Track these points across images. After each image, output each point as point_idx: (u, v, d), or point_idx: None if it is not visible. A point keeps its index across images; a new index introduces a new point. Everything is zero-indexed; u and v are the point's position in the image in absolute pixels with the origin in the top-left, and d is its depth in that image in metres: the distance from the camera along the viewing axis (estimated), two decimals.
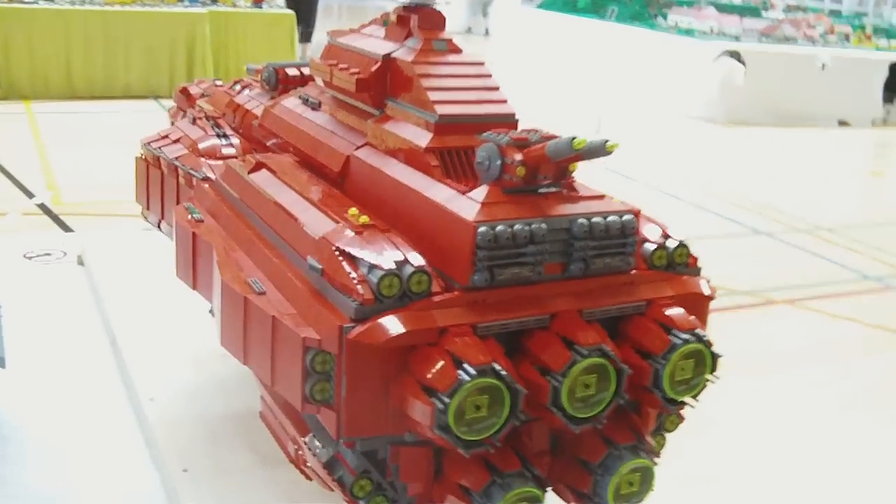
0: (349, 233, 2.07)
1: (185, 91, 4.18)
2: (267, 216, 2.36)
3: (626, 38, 14.66)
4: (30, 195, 7.78)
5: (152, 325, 3.68)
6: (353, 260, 1.99)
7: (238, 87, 3.60)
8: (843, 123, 13.56)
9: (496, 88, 2.41)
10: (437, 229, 2.05)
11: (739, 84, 13.03)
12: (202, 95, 4.06)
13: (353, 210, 2.18)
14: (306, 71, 3.26)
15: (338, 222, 2.14)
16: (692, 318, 2.16)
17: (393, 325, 1.90)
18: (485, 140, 2.09)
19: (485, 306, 1.99)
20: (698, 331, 2.12)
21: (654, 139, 11.50)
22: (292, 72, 3.24)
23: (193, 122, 3.27)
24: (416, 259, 1.99)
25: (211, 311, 2.62)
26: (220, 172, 2.73)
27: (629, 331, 2.14)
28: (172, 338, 3.58)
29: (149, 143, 3.26)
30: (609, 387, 2.01)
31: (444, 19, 2.52)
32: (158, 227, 3.31)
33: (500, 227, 1.96)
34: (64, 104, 10.49)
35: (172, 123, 4.18)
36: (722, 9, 15.53)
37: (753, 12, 15.95)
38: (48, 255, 4.67)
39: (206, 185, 2.79)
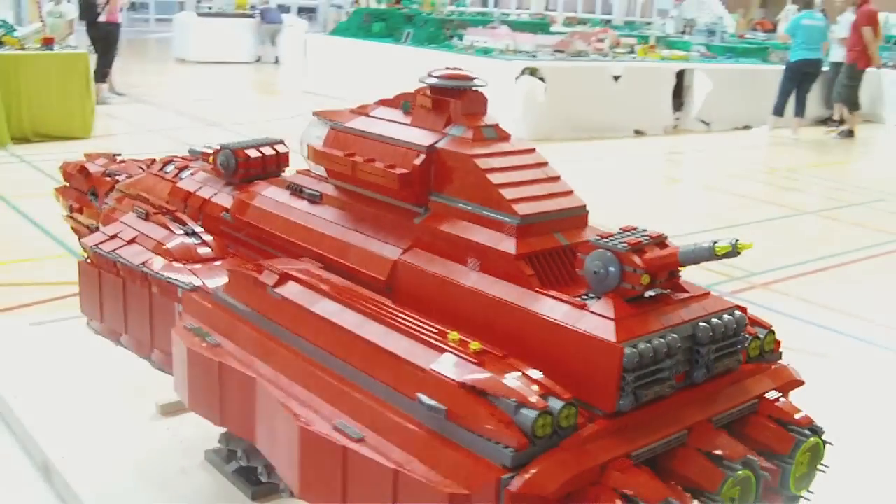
0: (467, 364, 1.83)
1: (82, 170, 3.76)
2: (327, 342, 2.07)
3: (425, 60, 14.67)
4: None
5: (84, 438, 3.25)
6: (485, 397, 1.76)
7: (172, 169, 3.24)
8: (638, 133, 14.06)
9: (558, 178, 2.23)
10: (562, 351, 1.85)
11: (541, 100, 13.30)
12: (107, 174, 3.66)
13: (454, 334, 1.93)
14: (267, 151, 2.96)
15: (440, 349, 1.89)
16: (804, 411, 2.06)
17: (558, 471, 1.69)
18: (596, 246, 1.91)
19: (631, 431, 1.81)
20: (814, 424, 2.04)
21: None
22: (253, 153, 2.92)
23: (147, 217, 2.90)
24: (560, 390, 1.78)
25: None
26: (223, 283, 2.41)
27: (748, 432, 2.02)
28: (110, 449, 3.17)
29: (97, 245, 2.86)
30: (750, 495, 1.88)
31: (487, 101, 2.32)
32: (118, 342, 2.90)
33: (642, 346, 1.79)
34: None
35: (70, 213, 3.75)
36: (515, 27, 15.81)
37: (544, 28, 16.33)
38: None
39: (198, 297, 2.46)
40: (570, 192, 2.20)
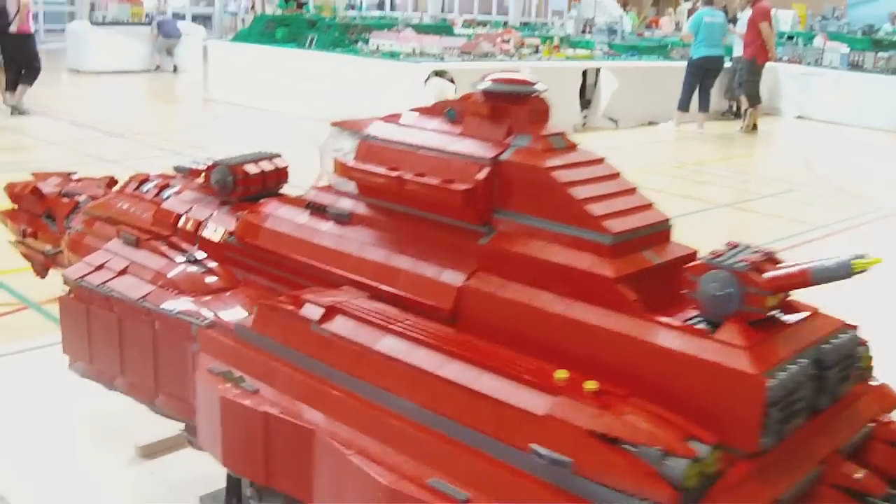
0: (587, 407, 1.61)
1: (35, 191, 3.42)
2: (398, 386, 1.81)
3: (332, 64, 14.41)
4: None
5: (57, 489, 2.92)
6: (619, 445, 1.54)
7: (151, 188, 2.93)
8: None
9: (635, 190, 2.02)
10: (688, 386, 1.64)
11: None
12: (63, 195, 3.33)
13: (562, 372, 1.70)
14: (266, 166, 2.68)
15: (549, 390, 1.66)
16: None
17: None
18: (711, 265, 1.71)
19: (772, 472, 1.61)
20: None
21: None
22: (252, 169, 2.64)
23: (137, 244, 2.59)
24: (702, 433, 1.57)
25: None
26: (247, 318, 2.13)
27: (867, 457, 1.84)
28: (89, 500, 2.86)
29: (82, 278, 2.54)
30: None
31: (549, 109, 2.10)
32: (110, 386, 2.58)
33: (782, 375, 1.59)
34: None
35: (21, 236, 3.41)
36: (419, 29, 15.62)
37: (448, 31, 16.18)
38: None
39: (217, 335, 2.18)
40: (650, 206, 1.99)
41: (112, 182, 3.46)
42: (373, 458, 1.75)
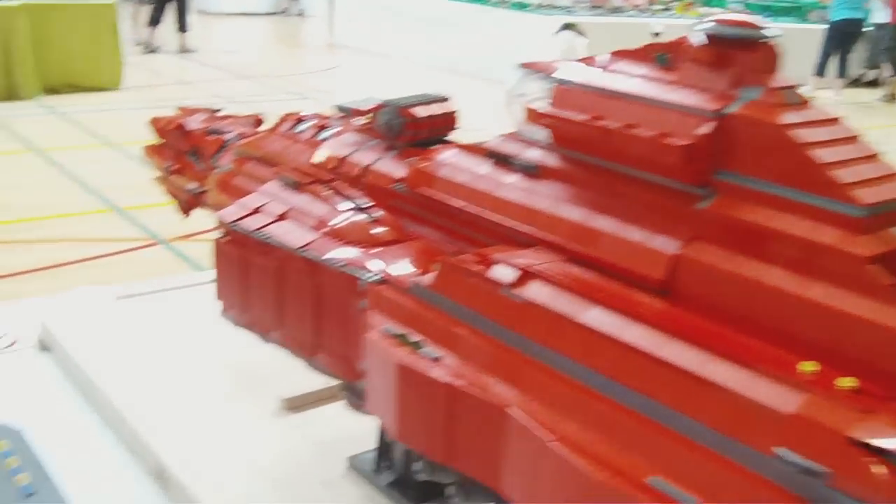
0: (846, 409, 1.36)
1: (179, 127, 3.28)
2: (608, 366, 1.60)
3: (460, 13, 14.17)
4: None
5: (201, 440, 2.80)
6: (886, 459, 1.30)
7: (307, 128, 2.75)
8: None
9: (877, 155, 1.75)
10: None
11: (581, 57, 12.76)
12: (209, 132, 3.19)
13: (808, 365, 1.46)
14: (436, 110, 2.48)
15: (797, 385, 1.42)
16: None
17: None
18: None
19: None
20: None
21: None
22: (423, 112, 2.44)
23: (297, 187, 2.42)
24: None
25: None
26: (426, 277, 1.94)
27: None
28: (234, 453, 2.72)
29: (236, 222, 2.38)
30: None
31: (780, 58, 1.83)
32: (265, 338, 2.43)
33: None
34: None
35: (166, 173, 3.28)
36: None
37: None
38: None
39: (390, 293, 1.99)
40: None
41: (258, 121, 3.31)
42: (577, 447, 1.54)
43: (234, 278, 2.43)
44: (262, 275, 2.33)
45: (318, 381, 2.86)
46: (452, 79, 12.50)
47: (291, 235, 2.26)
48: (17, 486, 2.20)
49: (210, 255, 2.50)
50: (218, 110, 3.40)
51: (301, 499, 2.55)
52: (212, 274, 2.62)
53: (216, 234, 2.47)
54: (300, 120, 2.82)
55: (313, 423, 2.87)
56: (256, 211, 2.40)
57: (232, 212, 2.43)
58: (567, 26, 12.86)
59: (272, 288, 2.30)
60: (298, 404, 2.93)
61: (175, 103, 3.86)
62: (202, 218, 3.50)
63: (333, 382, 2.79)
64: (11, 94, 10.14)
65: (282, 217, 2.35)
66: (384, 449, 2.59)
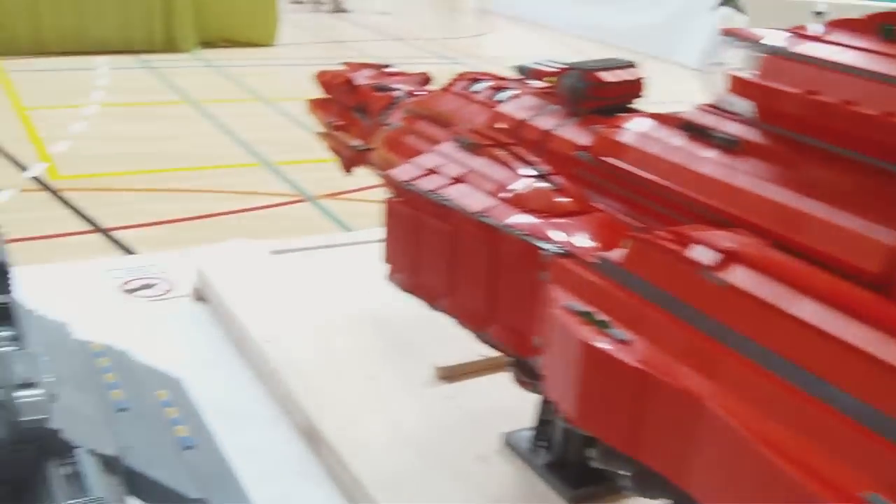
0: None
1: (346, 82, 3.22)
2: (824, 366, 1.45)
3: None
4: (21, 168, 6.74)
5: (351, 402, 2.74)
6: None
7: (483, 88, 2.65)
8: None
9: None
10: None
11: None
12: (379, 89, 3.12)
13: None
14: (623, 76, 2.34)
15: None
16: None
17: None
18: None
19: None
20: None
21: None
22: (609, 78, 2.30)
23: (474, 149, 2.32)
24: None
25: None
26: (619, 254, 1.81)
27: None
28: (385, 420, 2.66)
29: (410, 182, 2.30)
30: None
31: None
32: (432, 305, 2.34)
33: None
34: (35, 61, 9.26)
35: (330, 128, 3.23)
36: None
37: None
38: (147, 286, 3.66)
39: (575, 267, 1.87)
40: None
41: (425, 79, 3.22)
42: (783, 452, 1.40)
43: (404, 240, 2.35)
44: (434, 238, 2.24)
45: (473, 351, 2.79)
46: (606, 52, 12.27)
47: (469, 199, 2.16)
48: (176, 437, 2.16)
49: (379, 214, 2.42)
50: (386, 66, 3.32)
51: (453, 471, 2.47)
52: (366, 234, 2.55)
53: (385, 194, 2.39)
54: (476, 79, 2.72)
55: (466, 395, 2.79)
56: (431, 172, 2.31)
57: (406, 171, 2.35)
58: (726, 2, 12.49)
59: (445, 253, 2.21)
60: (452, 374, 2.85)
61: (328, 62, 3.82)
62: (353, 177, 3.46)
63: (490, 354, 2.72)
64: (170, 47, 10.38)
65: (458, 180, 2.25)
66: (542, 428, 2.49)
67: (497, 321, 2.13)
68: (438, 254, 2.23)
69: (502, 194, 2.15)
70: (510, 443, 2.54)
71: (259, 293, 3.34)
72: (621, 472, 1.81)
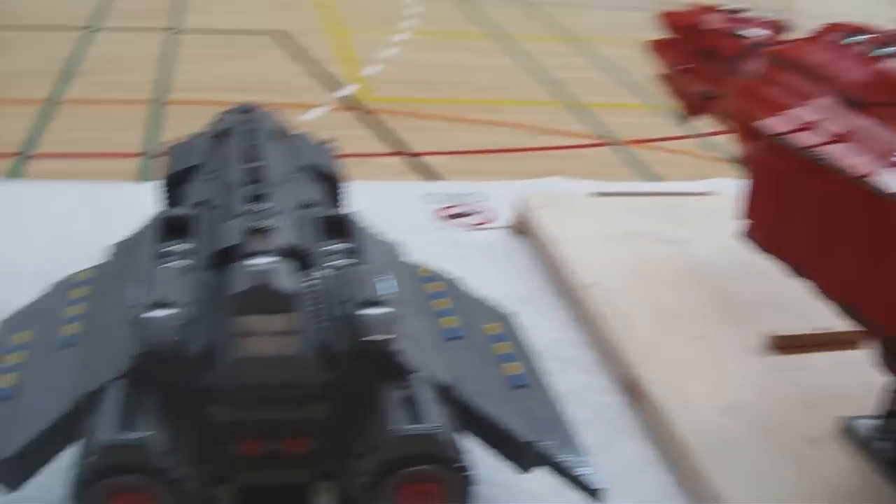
0: None
1: (695, 25, 3.04)
2: None
3: None
4: (331, 88, 6.96)
5: (678, 362, 2.62)
6: None
7: (860, 41, 2.41)
8: None
9: None
10: None
11: None
12: (733, 34, 2.92)
13: None
14: None
15: None
16: None
17: None
18: None
19: None
20: None
21: None
22: None
23: (859, 107, 2.10)
24: None
25: None
26: None
27: None
28: (712, 383, 2.52)
29: (783, 135, 2.11)
30: None
31: None
32: (795, 272, 2.16)
33: None
34: None
35: (673, 71, 3.07)
36: None
37: None
38: (463, 214, 3.66)
39: None
40: None
41: (780, 27, 2.99)
42: None
43: (770, 198, 2.17)
44: (807, 200, 2.05)
45: (809, 322, 2.60)
46: None
47: (853, 160, 1.96)
48: (506, 374, 2.11)
49: (744, 168, 2.26)
50: (738, 10, 3.11)
51: (782, 449, 2.30)
52: (691, 185, 2.39)
53: (736, 147, 2.22)
54: (852, 31, 2.47)
55: (801, 370, 2.60)
56: (807, 127, 2.12)
57: (779, 123, 2.16)
58: None
59: (818, 217, 2.02)
60: (787, 345, 2.66)
61: (644, 7, 3.64)
62: (657, 127, 3.30)
63: (832, 328, 2.52)
64: None
65: (839, 138, 2.05)
66: (890, 419, 2.27)
67: (875, 296, 1.93)
68: (810, 217, 2.04)
69: (891, 158, 1.93)
70: (849, 429, 2.34)
71: (581, 234, 3.26)
72: None
